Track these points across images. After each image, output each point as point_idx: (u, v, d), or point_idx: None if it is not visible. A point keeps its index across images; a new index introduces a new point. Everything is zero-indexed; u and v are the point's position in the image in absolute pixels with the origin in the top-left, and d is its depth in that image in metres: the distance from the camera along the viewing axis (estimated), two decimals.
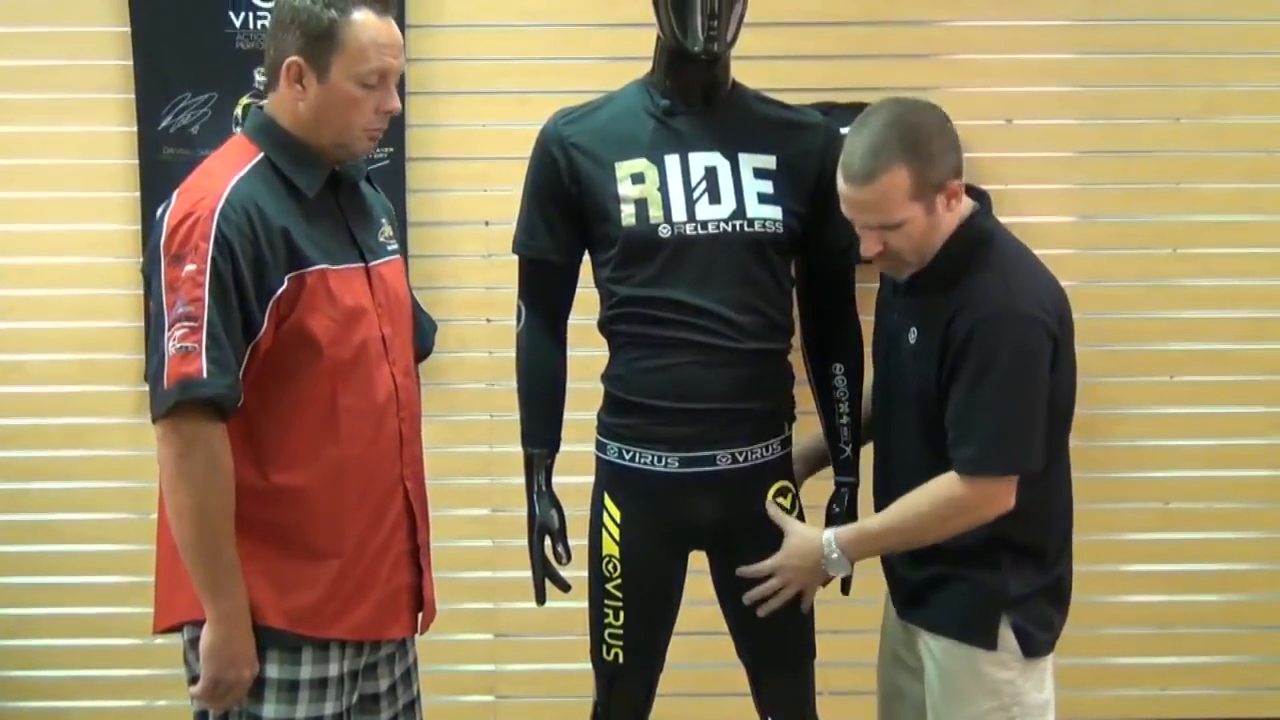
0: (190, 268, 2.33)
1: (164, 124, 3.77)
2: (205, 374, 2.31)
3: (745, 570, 2.80)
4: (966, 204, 2.61)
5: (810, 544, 2.74)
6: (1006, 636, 2.61)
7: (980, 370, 2.50)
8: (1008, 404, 2.51)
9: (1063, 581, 2.71)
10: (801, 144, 2.86)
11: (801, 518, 2.93)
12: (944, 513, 2.57)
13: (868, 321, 2.98)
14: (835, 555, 2.70)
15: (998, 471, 2.53)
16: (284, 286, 2.40)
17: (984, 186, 2.72)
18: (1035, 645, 2.63)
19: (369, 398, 2.52)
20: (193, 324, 2.31)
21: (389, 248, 2.68)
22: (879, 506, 2.76)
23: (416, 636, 2.73)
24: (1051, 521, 2.68)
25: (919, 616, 2.73)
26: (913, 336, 2.64)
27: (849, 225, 2.92)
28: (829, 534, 2.72)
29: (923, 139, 2.51)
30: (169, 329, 2.32)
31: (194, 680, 2.46)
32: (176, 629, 2.52)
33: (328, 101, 2.47)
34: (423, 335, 2.81)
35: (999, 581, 2.61)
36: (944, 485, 2.56)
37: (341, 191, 2.59)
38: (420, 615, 2.68)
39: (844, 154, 2.56)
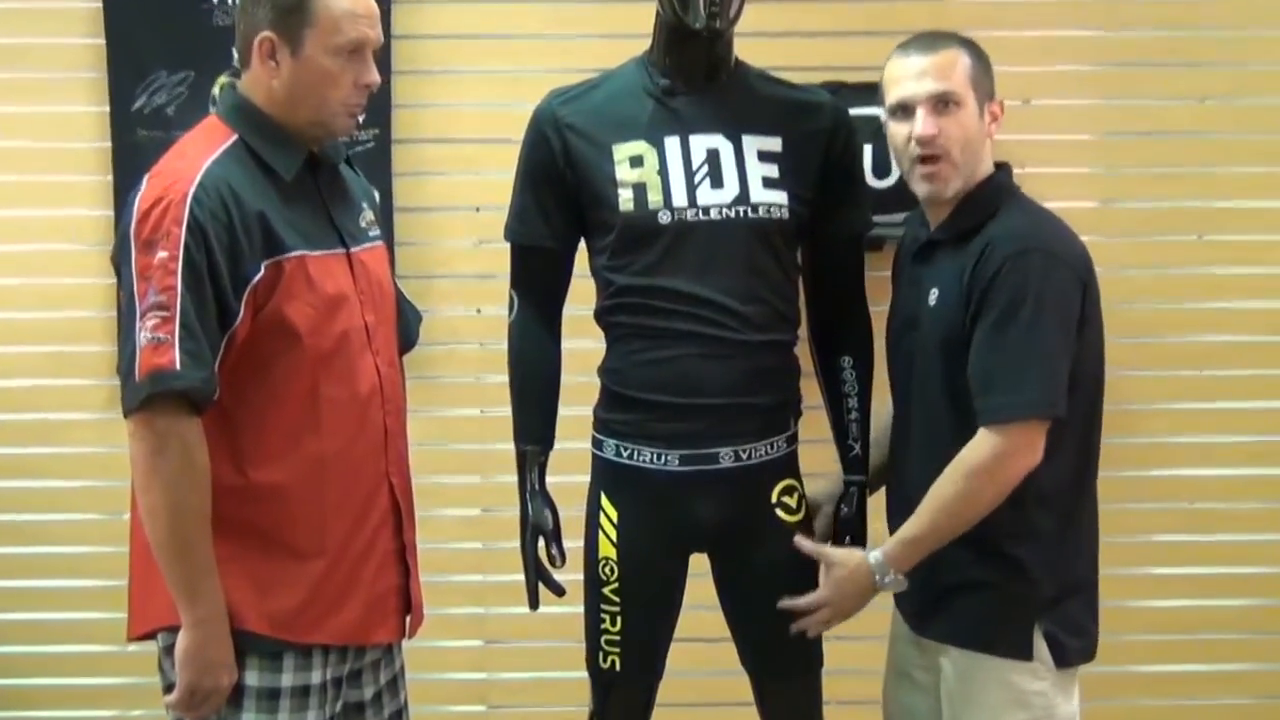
0: (162, 255, 2.33)
1: (137, 105, 3.76)
2: (179, 366, 2.31)
3: (788, 604, 2.75)
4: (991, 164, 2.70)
5: (857, 571, 2.66)
6: (1039, 645, 2.60)
7: (1008, 308, 2.51)
8: (1036, 344, 2.51)
9: (1094, 577, 2.69)
10: (808, 125, 2.87)
11: (809, 520, 2.94)
12: (980, 480, 2.53)
13: (878, 313, 3.00)
14: (890, 578, 2.63)
15: (1026, 414, 2.51)
16: (261, 273, 2.41)
17: None
18: (1068, 654, 2.62)
19: (352, 389, 2.53)
20: (165, 314, 2.32)
21: (371, 233, 2.69)
22: (898, 510, 2.75)
23: (404, 642, 2.74)
24: (1084, 507, 2.66)
25: (938, 629, 2.72)
26: (933, 297, 2.65)
27: (859, 211, 2.95)
28: (874, 555, 2.64)
29: (978, 48, 2.70)
30: (140, 319, 2.32)
31: (169, 689, 2.47)
32: (151, 636, 2.53)
33: (303, 77, 2.47)
34: (406, 327, 2.82)
35: (1027, 584, 2.59)
36: (970, 453, 2.54)
37: (321, 174, 2.59)
38: (408, 619, 2.69)
39: (899, 51, 2.69)
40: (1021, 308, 2.50)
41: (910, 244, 2.81)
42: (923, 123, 2.61)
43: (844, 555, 2.72)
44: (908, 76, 2.64)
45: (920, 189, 2.66)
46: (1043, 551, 2.59)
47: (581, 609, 2.95)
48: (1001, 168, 2.71)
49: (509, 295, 2.98)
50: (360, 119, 2.60)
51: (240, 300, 2.39)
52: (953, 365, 2.59)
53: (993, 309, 2.52)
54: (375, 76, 2.52)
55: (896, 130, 2.67)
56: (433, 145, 3.90)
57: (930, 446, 2.65)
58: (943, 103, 2.61)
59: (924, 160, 2.62)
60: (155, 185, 2.40)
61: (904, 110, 2.65)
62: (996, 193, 2.67)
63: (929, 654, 2.76)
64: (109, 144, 3.81)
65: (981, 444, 2.53)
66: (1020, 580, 2.60)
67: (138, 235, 2.36)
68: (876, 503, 2.96)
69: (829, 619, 2.73)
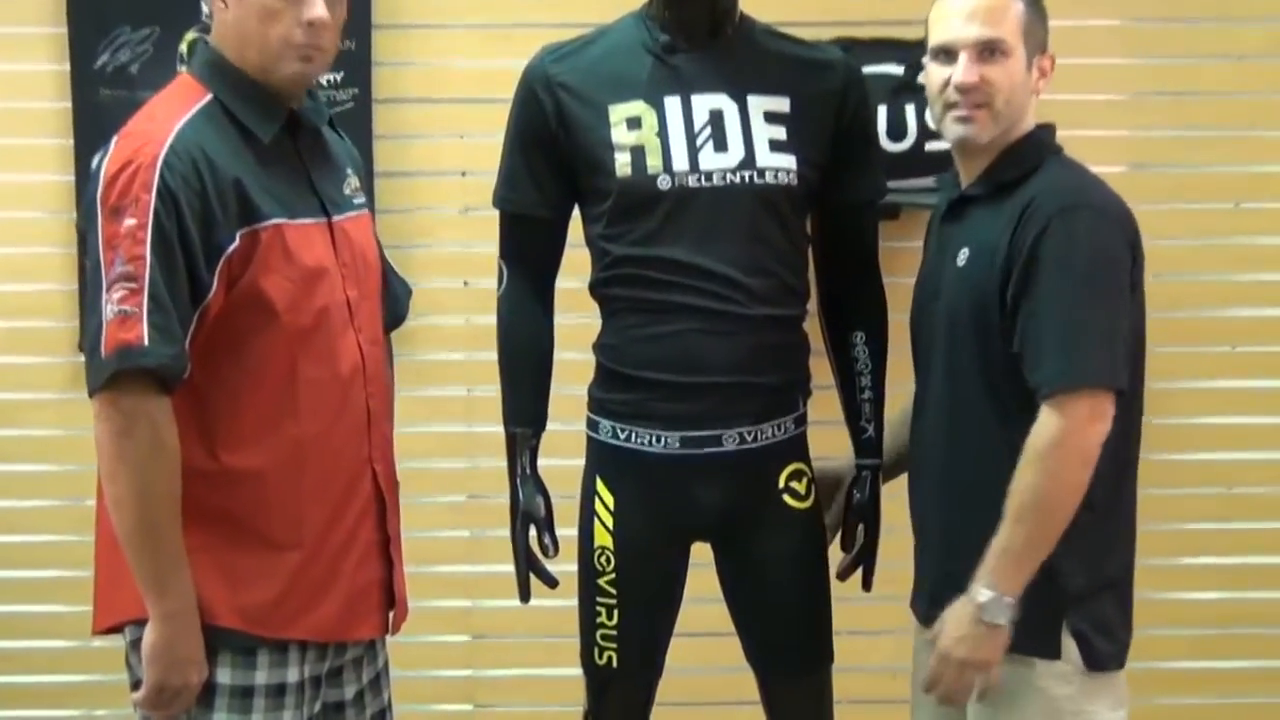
0: (130, 222, 2.32)
1: (100, 62, 3.75)
2: (146, 341, 2.31)
3: (923, 686, 2.62)
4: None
5: (958, 610, 2.54)
6: (1067, 644, 2.57)
7: (1062, 268, 2.47)
8: (1095, 306, 2.48)
9: (1128, 576, 2.66)
10: (818, 84, 2.87)
11: (818, 507, 2.94)
12: (1056, 458, 2.45)
13: (893, 285, 3.01)
14: (988, 597, 2.49)
15: (1093, 383, 2.46)
16: (235, 243, 2.40)
17: None
18: (1098, 655, 2.58)
19: (332, 369, 2.53)
20: (133, 285, 2.31)
21: (355, 201, 2.69)
22: (920, 499, 2.75)
23: (387, 638, 2.75)
24: (1121, 496, 2.63)
25: None
26: (962, 256, 2.62)
27: (872, 176, 2.94)
28: (977, 592, 2.51)
29: None
30: (106, 291, 2.32)
31: (136, 685, 2.47)
32: (118, 629, 2.53)
33: (244, 15, 2.47)
34: (395, 301, 2.82)
35: (1054, 575, 2.54)
36: (1037, 437, 2.46)
37: (301, 137, 2.59)
38: (391, 614, 2.70)
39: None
40: (1074, 269, 2.47)
41: (940, 206, 2.79)
42: (964, 69, 2.58)
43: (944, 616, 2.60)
44: (955, 16, 2.61)
45: (952, 131, 2.63)
46: (1072, 541, 2.53)
47: (575, 602, 2.96)
48: (1045, 127, 2.69)
49: (498, 266, 2.98)
50: (317, 64, 2.55)
51: (213, 272, 2.38)
52: (984, 333, 2.56)
53: (1043, 270, 2.47)
54: (318, 11, 2.48)
55: (935, 73, 2.63)
56: (416, 105, 3.89)
57: (957, 427, 2.63)
58: (989, 50, 2.58)
59: (960, 106, 2.60)
60: (124, 148, 2.39)
61: (946, 54, 2.61)
62: (1038, 148, 2.64)
63: None
64: (69, 104, 3.80)
65: (1046, 423, 2.46)
66: (1049, 575, 2.53)
67: (104, 201, 2.35)
68: (890, 486, 2.97)
69: (956, 677, 2.55)
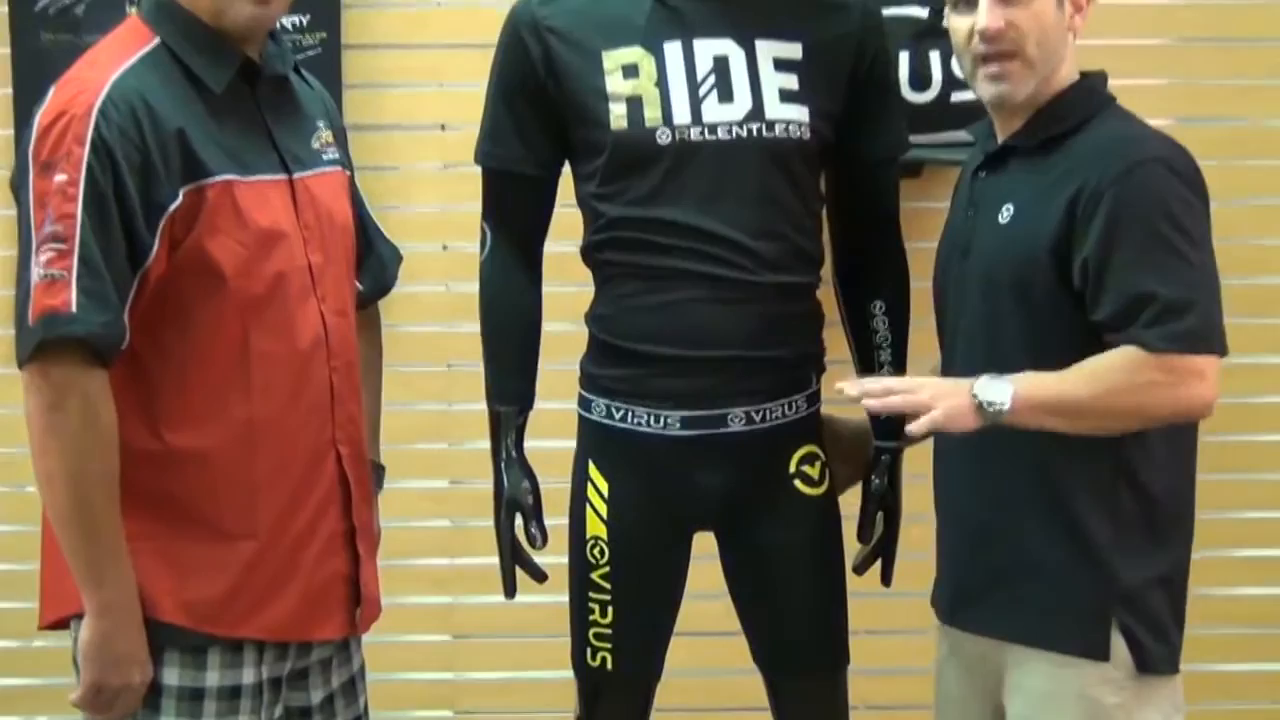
0: (61, 178, 2.33)
1: (42, 3, 3.76)
2: (75, 307, 2.31)
3: (854, 384, 2.56)
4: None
5: (953, 382, 2.52)
6: (1116, 644, 2.56)
7: (1159, 216, 2.45)
8: (1197, 262, 2.47)
9: (1184, 572, 2.65)
10: (833, 28, 2.87)
11: (832, 490, 2.94)
12: (1158, 382, 2.43)
13: (916, 250, 3.02)
14: (997, 393, 2.44)
15: (1204, 349, 2.46)
16: (178, 201, 2.40)
17: None
18: (1150, 657, 2.57)
19: (289, 341, 2.53)
20: (61, 246, 2.32)
21: (325, 157, 2.69)
22: (949, 476, 2.74)
23: (361, 638, 2.76)
24: (1181, 478, 2.63)
25: (986, 620, 2.68)
26: (1006, 213, 2.60)
27: (892, 130, 2.95)
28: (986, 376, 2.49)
29: None
30: (35, 253, 2.33)
31: None
32: (63, 623, 2.53)
33: None
34: (381, 266, 2.85)
35: (1102, 564, 2.55)
36: (1134, 353, 2.44)
37: (261, 86, 2.59)
38: (359, 612, 2.70)
39: None
40: (1166, 227, 2.46)
41: (974, 159, 2.77)
42: (987, 14, 2.56)
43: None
44: None
45: (985, 91, 2.62)
46: (1123, 531, 2.55)
47: (566, 598, 2.96)
48: (1095, 75, 2.68)
49: (480, 228, 2.99)
50: (274, 6, 2.54)
51: (155, 232, 2.38)
52: (1027, 294, 2.55)
53: (1128, 227, 2.46)
54: None
55: (958, 24, 2.63)
56: (390, 52, 3.91)
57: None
58: None
59: (988, 59, 2.58)
60: (59, 97, 2.40)
61: (967, 0, 2.61)
62: (1089, 97, 2.63)
63: (971, 657, 2.73)
64: (8, 50, 3.81)
65: (1149, 362, 2.43)
66: (1094, 563, 2.55)
67: (36, 155, 2.36)
68: (911, 469, 2.96)
69: (913, 390, 2.50)
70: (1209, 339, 2.47)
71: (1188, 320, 2.43)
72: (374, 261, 2.81)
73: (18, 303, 2.37)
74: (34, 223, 2.34)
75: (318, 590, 2.59)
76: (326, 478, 2.60)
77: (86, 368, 2.34)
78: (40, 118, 2.38)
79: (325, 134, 2.71)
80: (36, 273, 2.32)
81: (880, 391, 2.49)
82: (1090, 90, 2.65)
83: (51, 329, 2.31)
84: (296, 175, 2.58)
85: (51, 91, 2.43)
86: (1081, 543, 2.55)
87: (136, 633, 2.42)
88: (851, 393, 2.50)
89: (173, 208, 2.39)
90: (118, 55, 2.45)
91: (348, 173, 2.80)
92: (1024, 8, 2.56)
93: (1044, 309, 2.54)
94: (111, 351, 2.36)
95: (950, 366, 2.73)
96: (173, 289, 2.42)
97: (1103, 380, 2.44)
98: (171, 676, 2.48)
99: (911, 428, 2.49)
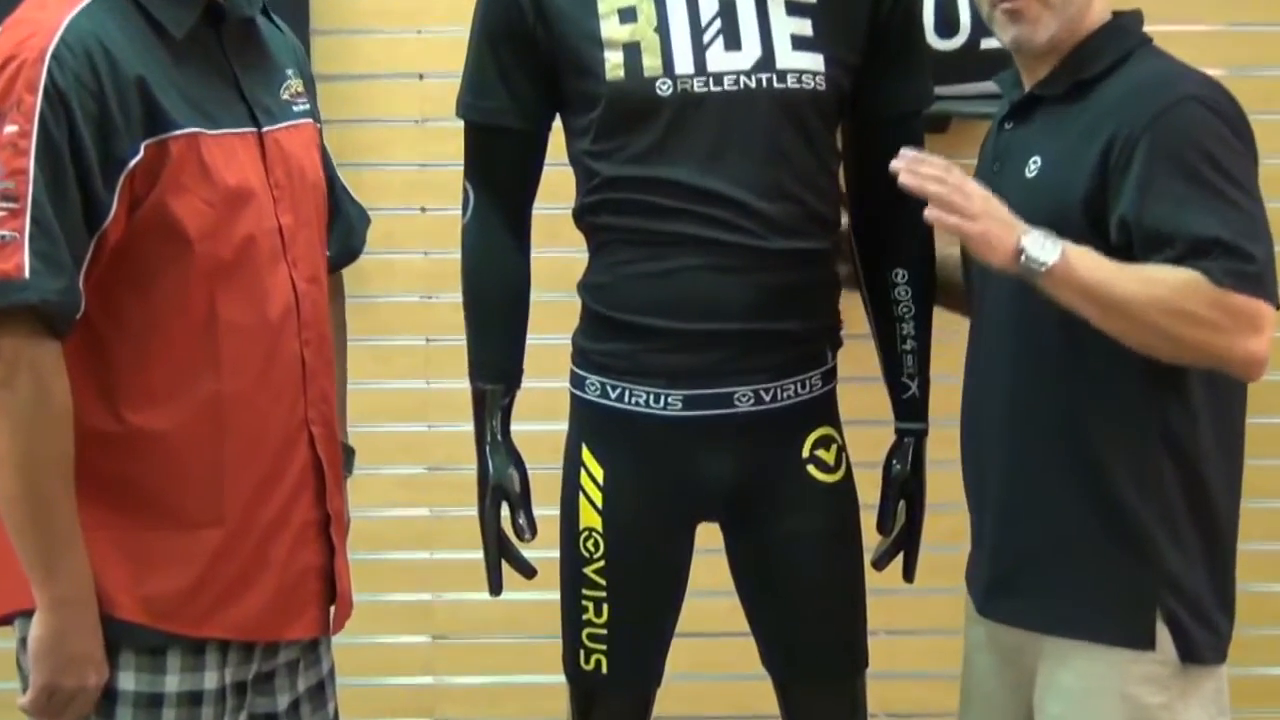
0: (10, 129, 2.31)
1: None
2: (28, 272, 2.29)
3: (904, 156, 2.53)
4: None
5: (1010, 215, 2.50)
6: (1160, 633, 2.57)
7: (1198, 157, 2.45)
8: (1245, 206, 2.46)
9: (1231, 555, 2.66)
10: None
11: (849, 476, 2.95)
12: (1193, 306, 2.41)
13: None
14: (1046, 232, 2.44)
15: (1265, 294, 2.44)
16: (139, 156, 2.39)
17: None
18: (1195, 646, 2.59)
19: (259, 311, 2.53)
20: (12, 205, 2.30)
21: (295, 108, 2.69)
22: (974, 465, 2.75)
23: (331, 639, 2.76)
24: (1226, 459, 2.63)
25: (1021, 610, 2.69)
26: (1033, 166, 2.62)
27: (916, 80, 2.95)
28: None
29: None
30: None
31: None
32: (7, 621, 2.53)
33: None
34: (348, 230, 2.85)
35: (1147, 552, 2.56)
36: (1194, 279, 2.41)
37: (227, 30, 2.58)
38: (333, 609, 2.70)
39: None
40: (1207, 169, 2.45)
41: (1000, 111, 2.79)
42: None
43: None
44: None
45: (1005, 34, 2.63)
46: (1166, 506, 2.56)
47: (557, 595, 2.97)
48: (1130, 14, 2.68)
49: (463, 189, 2.99)
50: None
51: (112, 190, 2.37)
52: None
53: (1160, 173, 2.45)
54: None
55: None
56: None
57: (1025, 358, 2.62)
58: None
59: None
60: (6, 40, 2.38)
61: None
62: (1122, 37, 2.64)
63: (1006, 649, 2.74)
64: None
65: (1204, 294, 2.41)
66: (1138, 547, 2.56)
67: None
68: (936, 452, 2.96)
69: (972, 210, 2.46)
70: (1268, 285, 2.45)
71: (1250, 263, 2.42)
72: (341, 224, 2.82)
73: None
74: None
75: (289, 585, 2.60)
76: (299, 461, 2.61)
77: (38, 339, 2.33)
78: None
79: (295, 83, 2.72)
80: None
81: (926, 173, 2.47)
82: (1122, 30, 2.66)
83: (3, 297, 2.30)
84: (266, 128, 2.59)
85: None
86: (1121, 520, 2.57)
87: (92, 630, 2.42)
88: (898, 164, 2.49)
89: (133, 163, 2.38)
90: None
91: (318, 126, 2.81)
92: None
93: None
94: (66, 322, 2.35)
95: (980, 328, 2.76)
96: (132, 253, 2.41)
97: (1156, 288, 2.41)
98: (128, 681, 2.48)
99: (930, 213, 2.47)
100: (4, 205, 2.31)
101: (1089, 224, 2.51)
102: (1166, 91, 2.51)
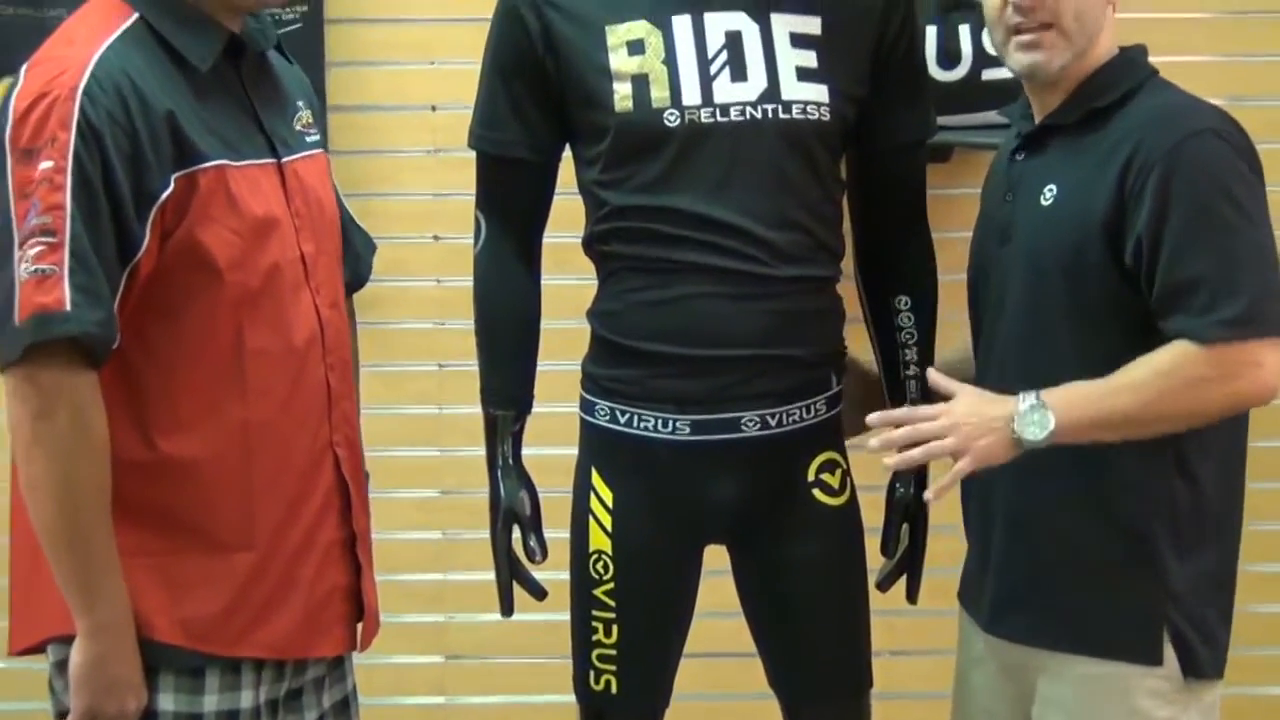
0: (46, 165, 2.32)
1: None
2: (69, 305, 2.30)
3: (877, 418, 2.58)
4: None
5: (997, 400, 2.53)
6: (1166, 650, 2.59)
7: (1214, 191, 2.48)
8: (1250, 238, 2.48)
9: (1232, 573, 2.68)
10: (855, 1, 2.86)
11: (854, 500, 2.95)
12: (1191, 376, 2.45)
13: (944, 240, 3.02)
14: (1030, 404, 2.47)
15: (1258, 333, 2.46)
16: (170, 189, 2.40)
17: None
18: (1198, 661, 2.60)
19: (285, 338, 2.55)
20: (51, 240, 2.30)
21: (308, 139, 2.71)
22: (978, 491, 2.74)
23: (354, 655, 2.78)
24: (1231, 479, 2.65)
25: (1029, 627, 2.69)
26: (1049, 195, 2.62)
27: (919, 111, 2.96)
28: (1027, 395, 2.50)
29: None
30: (20, 247, 2.31)
31: (62, 715, 2.48)
32: (39, 649, 2.53)
33: None
34: (355, 258, 2.84)
35: (1155, 570, 2.57)
36: (1182, 349, 2.46)
37: (245, 64, 2.60)
38: (359, 626, 2.72)
39: None
40: (1226, 197, 2.48)
41: (1009, 142, 2.79)
42: None
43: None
44: None
45: (1019, 61, 2.63)
46: (1176, 526, 2.58)
47: (567, 616, 2.97)
48: (1136, 48, 2.70)
49: (474, 218, 2.99)
50: None
51: (145, 223, 2.38)
52: (1078, 278, 2.56)
53: (1184, 199, 2.47)
54: None
55: None
56: (377, 26, 3.92)
57: (1036, 387, 2.59)
58: None
59: (1022, 29, 2.59)
60: (36, 78, 2.38)
61: None
62: (1133, 69, 2.66)
63: (1007, 664, 2.74)
64: None
65: (1199, 356, 2.45)
66: (1148, 565, 2.57)
67: (14, 142, 2.35)
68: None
69: (941, 434, 2.50)
70: (1263, 322, 2.47)
71: (1239, 304, 2.45)
72: (349, 252, 2.82)
73: None
74: (15, 215, 2.33)
75: (318, 603, 2.62)
76: (324, 483, 2.62)
77: (77, 370, 2.34)
78: (15, 101, 2.37)
79: (306, 114, 2.73)
80: (24, 269, 2.31)
81: (904, 438, 2.50)
82: (1132, 62, 2.67)
83: (44, 329, 2.30)
84: (285, 159, 2.60)
85: (23, 73, 2.41)
86: (1133, 540, 2.58)
87: (131, 655, 2.43)
88: (875, 444, 2.53)
89: (164, 196, 2.40)
90: (96, 32, 2.44)
91: (328, 155, 2.82)
92: None
93: (1095, 292, 2.56)
94: (104, 352, 2.36)
95: (989, 356, 2.75)
96: (162, 283, 2.43)
97: (1151, 386, 2.46)
98: (167, 701, 2.49)
99: (930, 494, 2.56)
100: (43, 240, 2.31)
101: (1107, 245, 2.53)
102: (1184, 123, 2.53)
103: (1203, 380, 2.45)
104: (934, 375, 2.63)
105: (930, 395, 2.94)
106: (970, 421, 2.49)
